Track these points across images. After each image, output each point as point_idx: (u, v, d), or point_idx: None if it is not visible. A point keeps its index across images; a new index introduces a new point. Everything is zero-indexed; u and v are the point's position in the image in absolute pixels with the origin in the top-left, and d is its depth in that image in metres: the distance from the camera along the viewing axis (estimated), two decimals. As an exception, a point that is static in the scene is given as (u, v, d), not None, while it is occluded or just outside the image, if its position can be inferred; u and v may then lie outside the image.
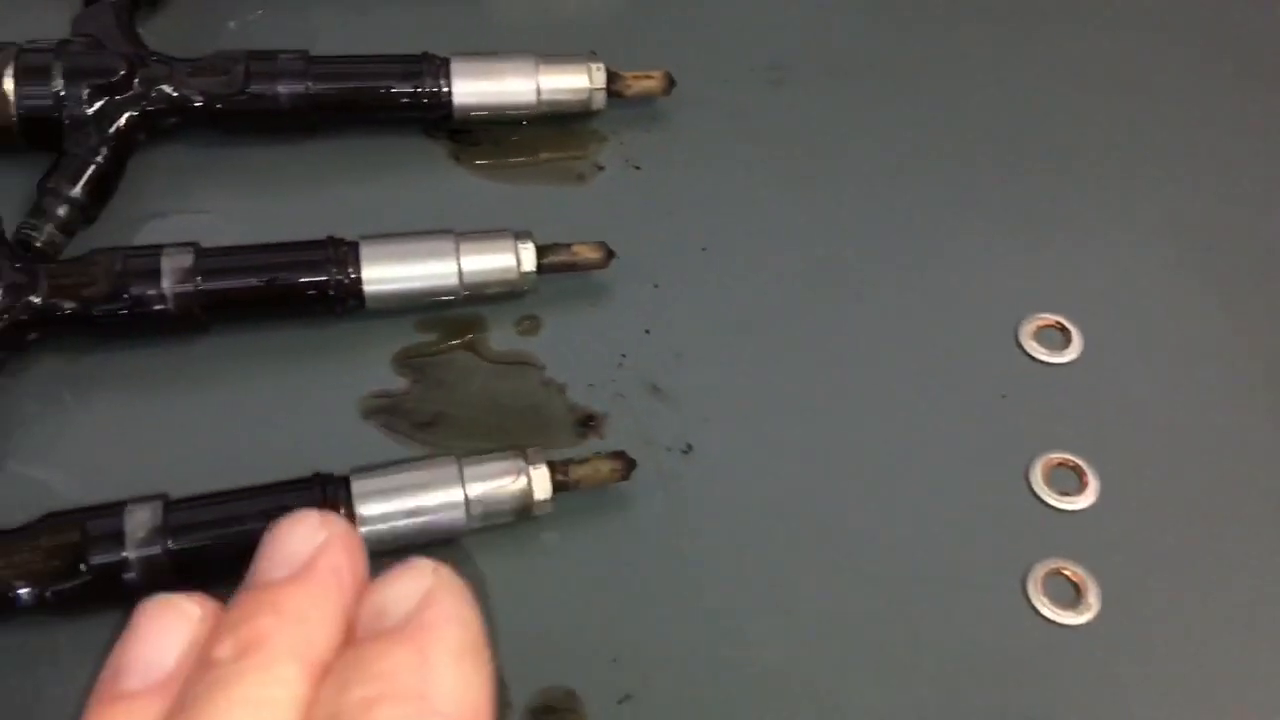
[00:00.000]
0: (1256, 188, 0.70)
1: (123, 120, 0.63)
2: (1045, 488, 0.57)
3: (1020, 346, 0.62)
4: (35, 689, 0.50)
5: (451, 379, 0.60)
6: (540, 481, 0.53)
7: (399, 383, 0.60)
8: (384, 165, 0.68)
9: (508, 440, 0.57)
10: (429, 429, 0.58)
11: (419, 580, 0.33)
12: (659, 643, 0.53)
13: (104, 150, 0.62)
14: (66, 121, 0.62)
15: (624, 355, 0.61)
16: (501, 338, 0.62)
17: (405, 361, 0.61)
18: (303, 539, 0.34)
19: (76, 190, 0.61)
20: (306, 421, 0.58)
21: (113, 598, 0.49)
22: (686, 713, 0.51)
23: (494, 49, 0.69)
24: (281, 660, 0.31)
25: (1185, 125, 0.73)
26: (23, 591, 0.48)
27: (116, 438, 0.57)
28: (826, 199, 0.68)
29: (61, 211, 0.61)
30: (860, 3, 0.77)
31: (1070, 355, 0.62)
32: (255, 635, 0.31)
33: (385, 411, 0.59)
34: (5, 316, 0.55)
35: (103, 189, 0.62)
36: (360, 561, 0.35)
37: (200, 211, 0.65)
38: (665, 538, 0.56)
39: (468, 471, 0.53)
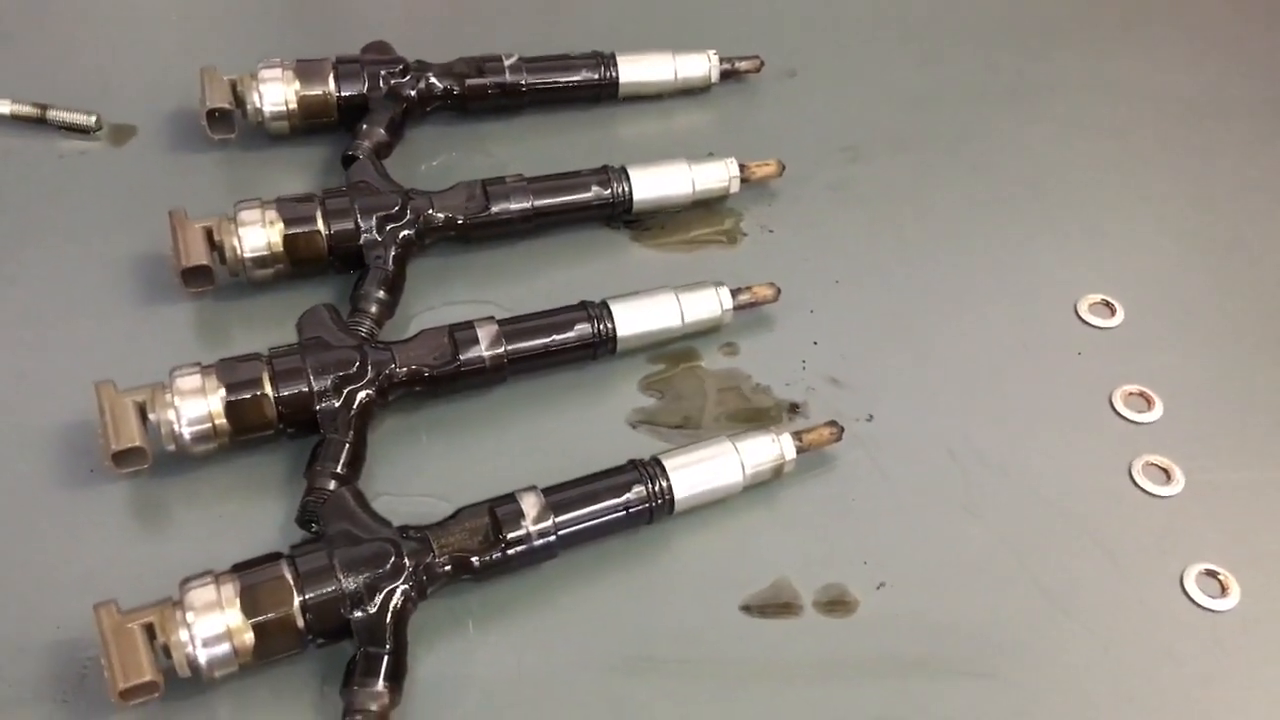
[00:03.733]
0: None
1: (404, 238, 0.83)
2: (1124, 407, 0.80)
3: (1079, 317, 0.86)
4: (465, 647, 0.68)
5: (687, 393, 0.81)
6: (788, 446, 0.74)
7: (649, 401, 0.81)
8: (582, 252, 0.90)
9: (742, 428, 0.78)
10: (683, 429, 0.79)
11: None
12: (890, 547, 0.74)
13: (393, 261, 0.82)
14: (363, 245, 0.82)
15: (804, 361, 0.83)
16: (712, 360, 0.83)
17: (649, 386, 0.81)
18: None
19: (381, 293, 0.81)
20: (591, 435, 0.78)
21: (521, 560, 0.68)
22: (926, 588, 0.72)
23: (631, 159, 0.91)
24: None
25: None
26: (467, 561, 0.67)
27: (458, 463, 0.76)
28: (916, 234, 0.92)
29: (374, 310, 0.80)
30: (904, 97, 1.03)
31: (1116, 320, 0.86)
32: None
33: (647, 421, 0.79)
34: (378, 384, 0.74)
35: (396, 291, 0.82)
36: None
37: (460, 302, 0.85)
38: (872, 479, 0.77)
39: (739, 445, 0.74)
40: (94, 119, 0.94)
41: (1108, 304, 0.87)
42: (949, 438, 0.79)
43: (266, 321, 0.82)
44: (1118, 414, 0.81)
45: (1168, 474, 0.77)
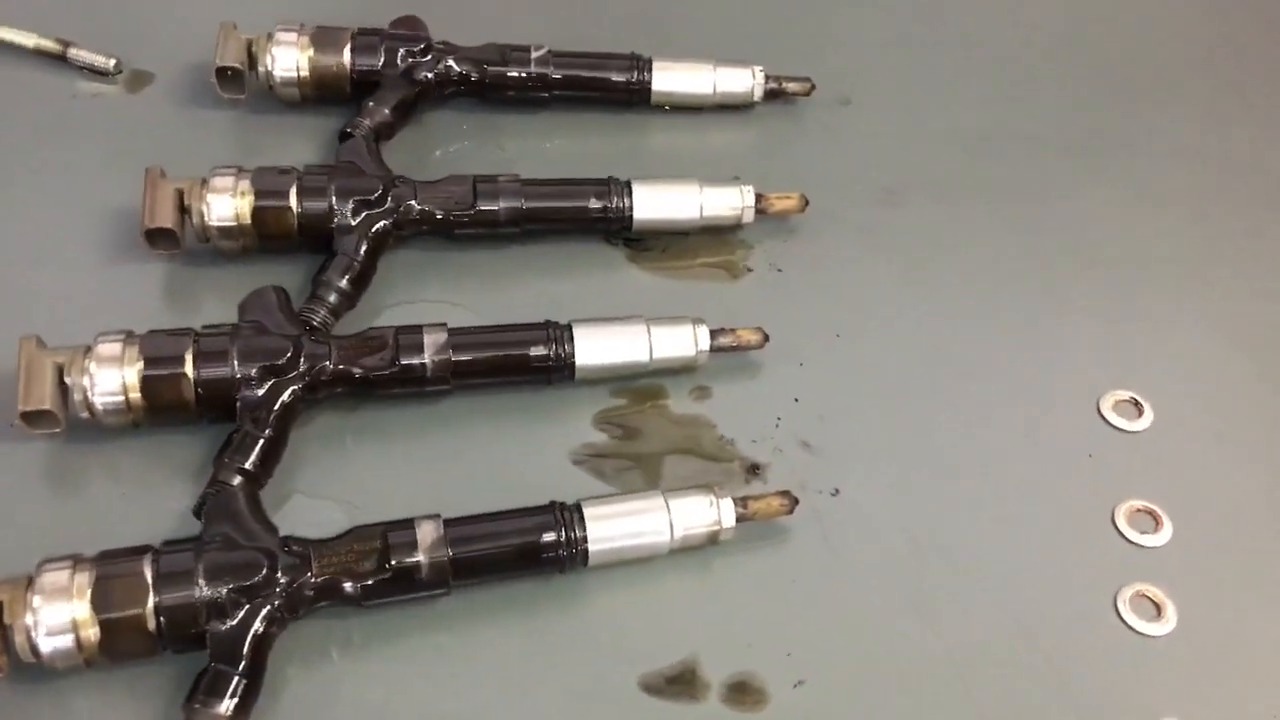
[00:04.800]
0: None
1: (378, 228, 0.79)
2: (1127, 524, 0.71)
3: (1100, 415, 0.76)
4: (335, 674, 0.64)
5: (643, 435, 0.75)
6: (727, 512, 0.68)
7: (600, 437, 0.75)
8: (573, 265, 0.84)
9: (690, 482, 0.72)
10: (627, 474, 0.73)
11: None
12: (822, 642, 0.66)
13: (363, 251, 0.78)
14: (335, 228, 0.78)
15: (779, 418, 0.76)
16: (679, 403, 0.77)
17: (604, 421, 0.75)
18: None
19: (343, 282, 0.77)
20: (528, 465, 0.73)
21: (405, 590, 0.63)
22: (848, 697, 0.64)
23: (654, 173, 0.85)
24: None
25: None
26: (347, 585, 0.62)
27: (383, 473, 0.72)
28: (936, 296, 0.83)
29: (332, 299, 0.76)
30: (959, 139, 0.94)
31: (1143, 424, 0.76)
32: None
33: (591, 459, 0.73)
34: (308, 378, 0.70)
35: (362, 282, 0.78)
36: None
37: (431, 301, 0.81)
38: (820, 561, 0.70)
39: (672, 504, 0.67)
40: (113, 62, 0.92)
41: (1136, 403, 0.77)
42: (916, 527, 0.71)
43: (238, 293, 0.78)
44: (1118, 531, 0.71)
45: (1159, 609, 0.68)
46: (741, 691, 0.64)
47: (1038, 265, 0.86)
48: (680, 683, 0.64)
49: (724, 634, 0.66)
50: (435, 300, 0.81)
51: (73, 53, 0.92)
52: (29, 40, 0.91)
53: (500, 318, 0.77)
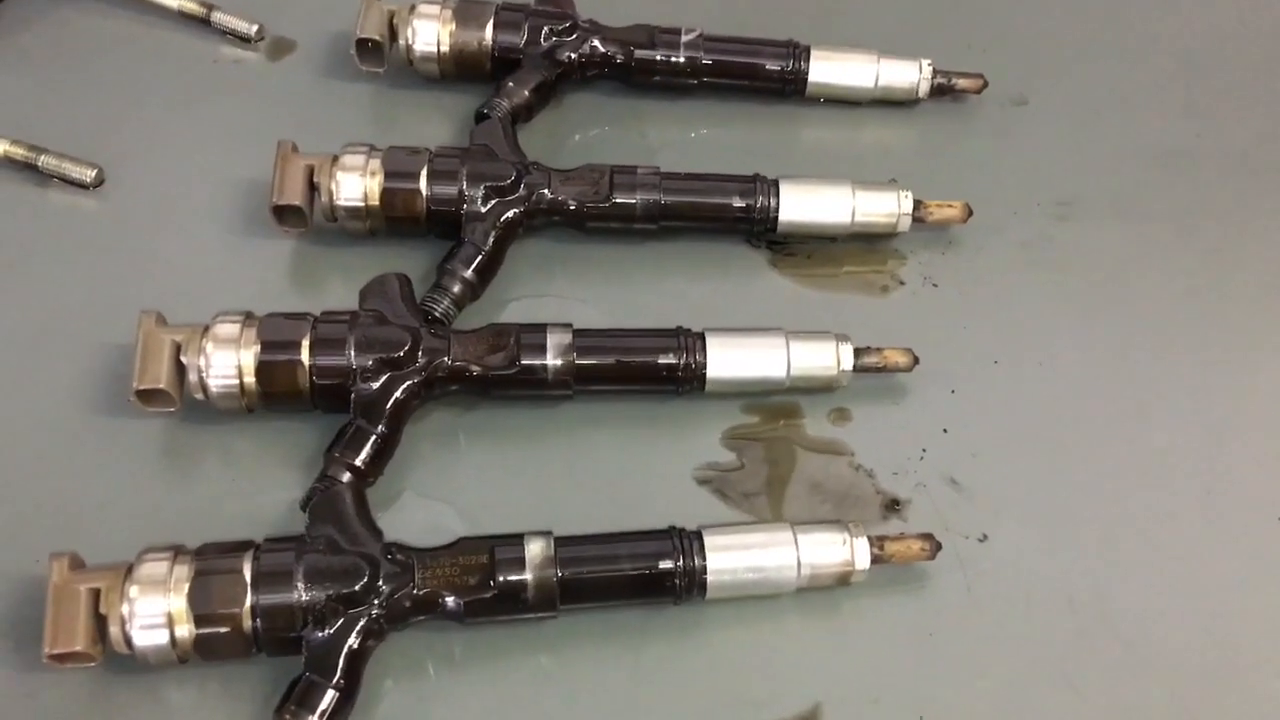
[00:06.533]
0: None
1: (508, 216, 0.75)
2: (1321, 606, 0.62)
3: (1297, 476, 0.68)
4: (431, 690, 0.60)
5: (773, 457, 0.69)
6: (861, 552, 0.62)
7: (728, 456, 0.69)
8: (712, 266, 0.79)
9: (822, 514, 0.66)
10: (753, 499, 0.68)
11: None
12: (958, 704, 0.60)
13: (491, 240, 0.74)
14: (464, 214, 0.74)
15: (924, 450, 0.70)
16: (816, 425, 0.71)
17: (733, 438, 0.70)
18: None
19: (469, 272, 0.73)
20: (649, 480, 0.68)
21: (509, 611, 0.59)
22: (984, 770, 0.58)
23: (804, 169, 0.79)
24: None
25: None
26: (449, 600, 0.58)
27: (495, 476, 0.68)
28: (1111, 325, 0.75)
29: (456, 289, 0.73)
30: (1148, 151, 0.85)
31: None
32: None
33: (716, 480, 0.68)
34: (424, 374, 0.67)
35: (488, 273, 0.74)
36: None
37: (559, 296, 0.77)
38: (962, 614, 0.63)
39: (801, 538, 0.62)
40: (256, 29, 0.90)
41: (1338, 465, 0.68)
42: (1074, 585, 0.64)
43: (364, 275, 0.75)
44: (1306, 610, 0.63)
45: (1353, 706, 0.59)
46: (865, 755, 0.58)
47: (1232, 299, 0.77)
48: (797, 737, 0.59)
49: (850, 686, 0.61)
50: (562, 296, 0.77)
51: (216, 17, 0.90)
52: (172, 2, 0.90)
53: (630, 318, 0.73)
